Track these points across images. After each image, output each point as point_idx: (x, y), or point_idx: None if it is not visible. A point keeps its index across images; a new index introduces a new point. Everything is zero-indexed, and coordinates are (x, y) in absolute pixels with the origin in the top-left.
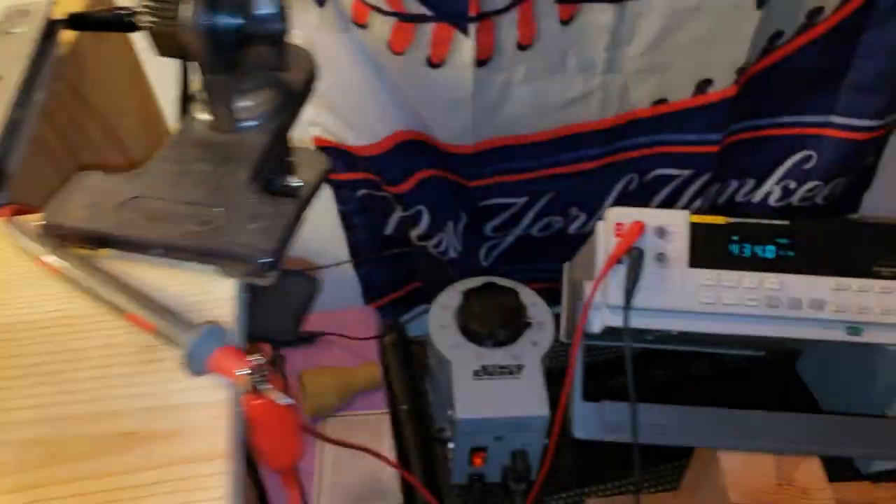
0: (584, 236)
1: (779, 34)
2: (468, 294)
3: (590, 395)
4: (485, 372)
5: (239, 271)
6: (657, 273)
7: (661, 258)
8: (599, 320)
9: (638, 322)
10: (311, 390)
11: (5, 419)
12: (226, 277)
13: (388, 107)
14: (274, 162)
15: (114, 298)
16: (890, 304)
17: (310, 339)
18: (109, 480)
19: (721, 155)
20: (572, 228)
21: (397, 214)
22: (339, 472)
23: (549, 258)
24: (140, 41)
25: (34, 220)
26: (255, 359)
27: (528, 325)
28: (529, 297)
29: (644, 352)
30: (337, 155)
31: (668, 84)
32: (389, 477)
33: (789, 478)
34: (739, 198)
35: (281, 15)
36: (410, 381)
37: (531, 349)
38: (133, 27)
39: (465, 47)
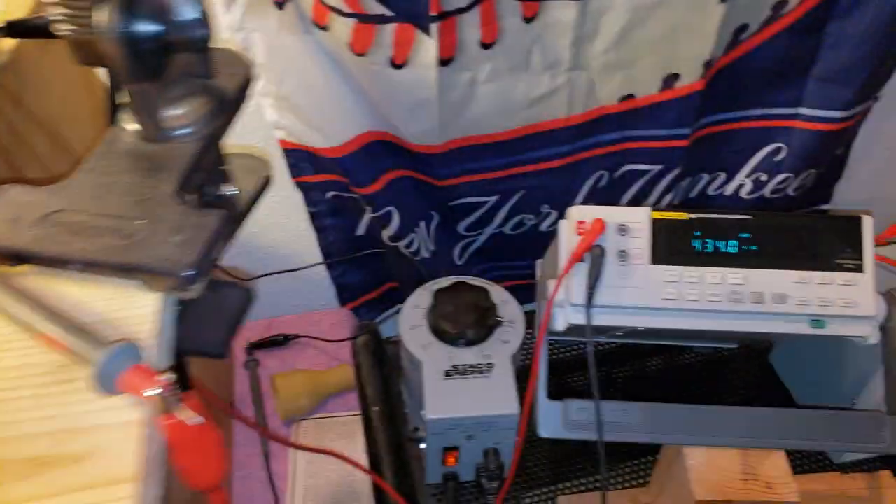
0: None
1: (744, 27)
2: (438, 294)
3: (563, 391)
4: (455, 371)
5: (162, 285)
6: (619, 270)
7: (623, 255)
8: (563, 318)
9: (601, 319)
10: (283, 393)
11: None
12: (151, 292)
13: (353, 108)
14: (206, 171)
15: (26, 317)
16: (852, 296)
17: (283, 341)
18: None
19: (691, 149)
20: (544, 226)
21: (368, 215)
22: (313, 475)
23: (524, 256)
24: None
25: None
26: (167, 377)
27: (499, 323)
28: (500, 296)
29: (620, 345)
30: (304, 157)
31: (635, 79)
32: (362, 479)
33: (754, 472)
34: (711, 191)
35: (203, 21)
36: (383, 382)
37: (502, 348)
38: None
39: (427, 47)
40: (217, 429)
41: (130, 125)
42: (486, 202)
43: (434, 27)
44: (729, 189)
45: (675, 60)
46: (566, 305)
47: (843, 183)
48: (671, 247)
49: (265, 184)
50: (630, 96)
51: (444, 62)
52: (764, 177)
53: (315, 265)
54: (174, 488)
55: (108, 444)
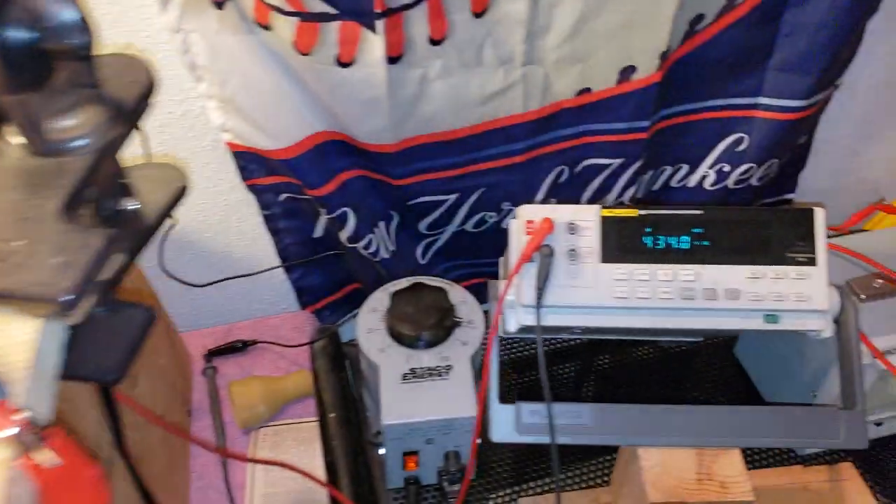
0: None
1: (700, 17)
2: (396, 296)
3: (529, 389)
4: (413, 375)
5: (40, 311)
6: (569, 270)
7: (572, 254)
8: (514, 320)
9: (551, 320)
10: (239, 402)
11: None
12: (31, 317)
13: (301, 109)
14: (102, 185)
15: None
16: (805, 289)
17: (242, 347)
18: None
19: (652, 141)
20: (506, 223)
21: (324, 217)
22: (271, 484)
23: (488, 253)
24: None
25: None
26: (24, 417)
27: (458, 324)
28: (459, 296)
29: (585, 341)
30: (254, 159)
31: (591, 73)
32: (322, 488)
33: (709, 472)
34: (674, 183)
35: (83, 26)
36: (340, 387)
37: (460, 349)
38: None
39: (374, 45)
40: (93, 467)
41: (16, 139)
42: (445, 200)
43: (380, 24)
44: (692, 181)
45: (630, 52)
46: (517, 306)
47: (807, 172)
48: (621, 244)
49: (179, 194)
50: (587, 90)
51: (393, 60)
52: (727, 168)
53: (272, 269)
54: None
55: None
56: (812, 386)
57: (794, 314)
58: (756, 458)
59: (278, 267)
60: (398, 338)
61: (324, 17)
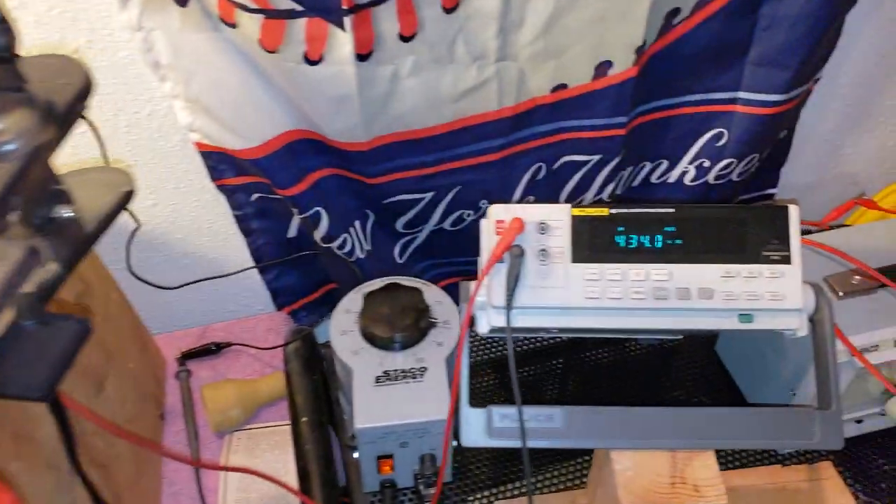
0: None
1: (676, 11)
2: (370, 296)
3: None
4: (387, 377)
5: None
6: (540, 270)
7: (543, 254)
8: (486, 321)
9: (523, 321)
10: (212, 406)
11: None
12: None
13: (270, 107)
14: (32, 192)
15: None
16: (780, 288)
17: (216, 350)
18: None
19: (630, 137)
20: None
21: (297, 217)
22: (244, 489)
23: (466, 252)
24: None
25: None
26: None
27: (433, 325)
28: (435, 296)
29: (566, 339)
30: (223, 159)
31: (566, 68)
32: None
33: (682, 475)
34: (654, 179)
35: (1, 26)
36: (313, 389)
37: (436, 350)
38: None
39: (342, 42)
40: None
41: None
42: (421, 199)
43: (348, 21)
44: (672, 177)
45: (606, 47)
46: (488, 308)
47: (789, 167)
48: (593, 244)
49: (125, 199)
50: (562, 86)
51: (362, 57)
52: (707, 163)
53: (245, 270)
54: None
55: None
56: (791, 384)
57: (768, 313)
58: (734, 458)
59: (252, 268)
60: (371, 340)
61: (290, 14)
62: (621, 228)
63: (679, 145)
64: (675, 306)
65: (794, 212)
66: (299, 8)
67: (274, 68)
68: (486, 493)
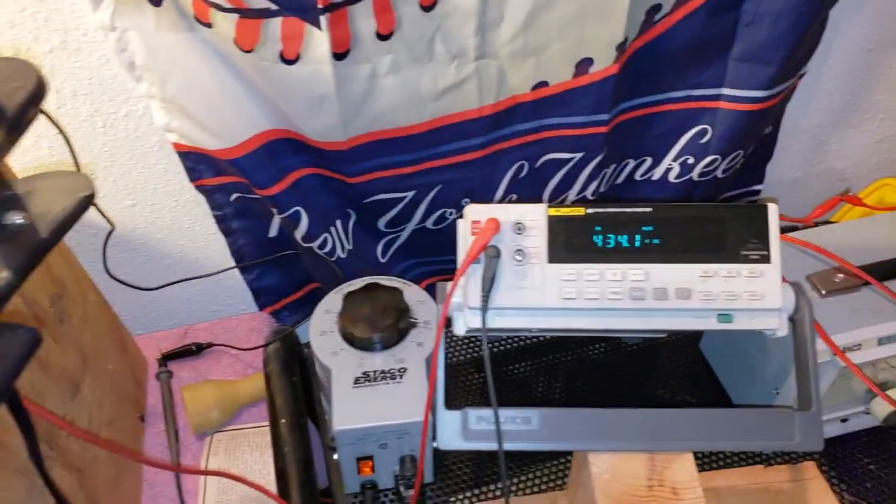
0: None
1: (657, 7)
2: (349, 297)
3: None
4: (366, 378)
5: None
6: (516, 270)
7: (520, 255)
8: (462, 322)
9: (499, 322)
10: (192, 407)
11: None
12: None
13: (246, 106)
14: None
15: None
16: (759, 288)
17: (197, 350)
18: None
19: (613, 134)
20: None
21: (277, 217)
22: (224, 491)
23: (450, 251)
24: None
25: None
26: None
27: (413, 325)
28: (415, 296)
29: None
30: (201, 160)
31: (547, 66)
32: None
33: (660, 477)
34: (638, 177)
35: None
36: (292, 391)
37: (416, 350)
38: None
39: (319, 41)
40: None
41: None
42: (403, 197)
43: (324, 19)
44: (657, 174)
45: (586, 44)
46: (465, 309)
47: (774, 163)
48: (569, 244)
49: (83, 204)
50: (543, 83)
51: (339, 56)
52: (691, 160)
53: (225, 270)
54: None
55: None
56: (775, 383)
57: (747, 313)
58: (716, 458)
59: (233, 268)
60: (351, 340)
61: (265, 14)
62: (598, 228)
63: (663, 142)
64: (653, 307)
65: (773, 210)
66: (274, 7)
67: (250, 68)
68: (467, 494)
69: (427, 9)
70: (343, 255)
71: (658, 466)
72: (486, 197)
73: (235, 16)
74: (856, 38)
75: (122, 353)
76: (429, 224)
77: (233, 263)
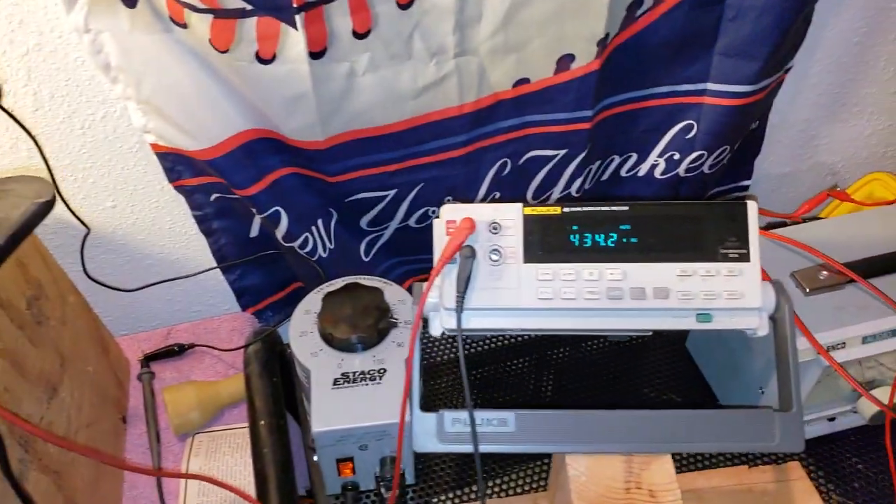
0: None
1: (639, 2)
2: (328, 297)
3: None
4: (345, 379)
5: None
6: (492, 271)
7: (496, 254)
8: (438, 323)
9: (475, 322)
10: (172, 408)
11: None
12: None
13: (224, 107)
14: None
15: None
16: (738, 287)
17: (179, 351)
18: None
19: (598, 131)
20: None
21: (257, 217)
22: (205, 493)
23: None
24: None
25: None
26: None
27: (394, 325)
28: (396, 296)
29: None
30: (179, 160)
31: (528, 63)
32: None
33: (638, 480)
34: (624, 173)
35: None
36: (272, 392)
37: (396, 351)
38: None
39: (294, 40)
40: None
41: None
42: (384, 196)
43: (299, 19)
44: (642, 170)
45: (567, 41)
46: (441, 309)
47: (763, 158)
48: (545, 243)
49: (42, 210)
50: (524, 80)
51: (316, 55)
52: (677, 156)
53: (207, 270)
54: None
55: None
56: (760, 382)
57: (727, 312)
58: (699, 459)
59: (214, 268)
60: (330, 341)
61: (240, 14)
62: (575, 227)
63: (648, 138)
64: (631, 306)
65: (752, 208)
66: (249, 7)
67: (227, 68)
68: (449, 496)
69: (404, 7)
70: (325, 255)
71: (636, 468)
72: (468, 195)
73: (210, 16)
74: (843, 31)
75: (103, 354)
76: (412, 223)
77: (214, 264)
